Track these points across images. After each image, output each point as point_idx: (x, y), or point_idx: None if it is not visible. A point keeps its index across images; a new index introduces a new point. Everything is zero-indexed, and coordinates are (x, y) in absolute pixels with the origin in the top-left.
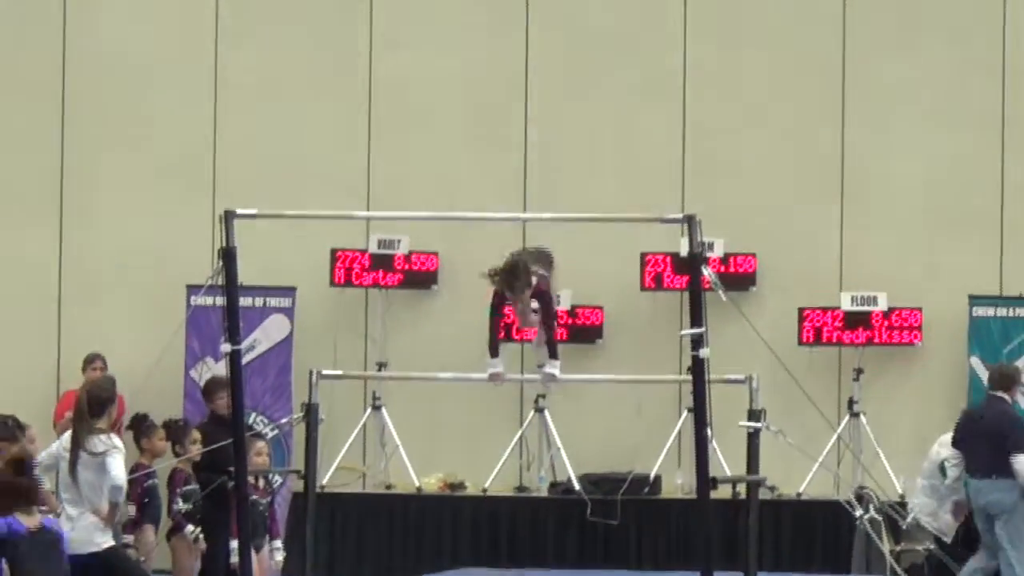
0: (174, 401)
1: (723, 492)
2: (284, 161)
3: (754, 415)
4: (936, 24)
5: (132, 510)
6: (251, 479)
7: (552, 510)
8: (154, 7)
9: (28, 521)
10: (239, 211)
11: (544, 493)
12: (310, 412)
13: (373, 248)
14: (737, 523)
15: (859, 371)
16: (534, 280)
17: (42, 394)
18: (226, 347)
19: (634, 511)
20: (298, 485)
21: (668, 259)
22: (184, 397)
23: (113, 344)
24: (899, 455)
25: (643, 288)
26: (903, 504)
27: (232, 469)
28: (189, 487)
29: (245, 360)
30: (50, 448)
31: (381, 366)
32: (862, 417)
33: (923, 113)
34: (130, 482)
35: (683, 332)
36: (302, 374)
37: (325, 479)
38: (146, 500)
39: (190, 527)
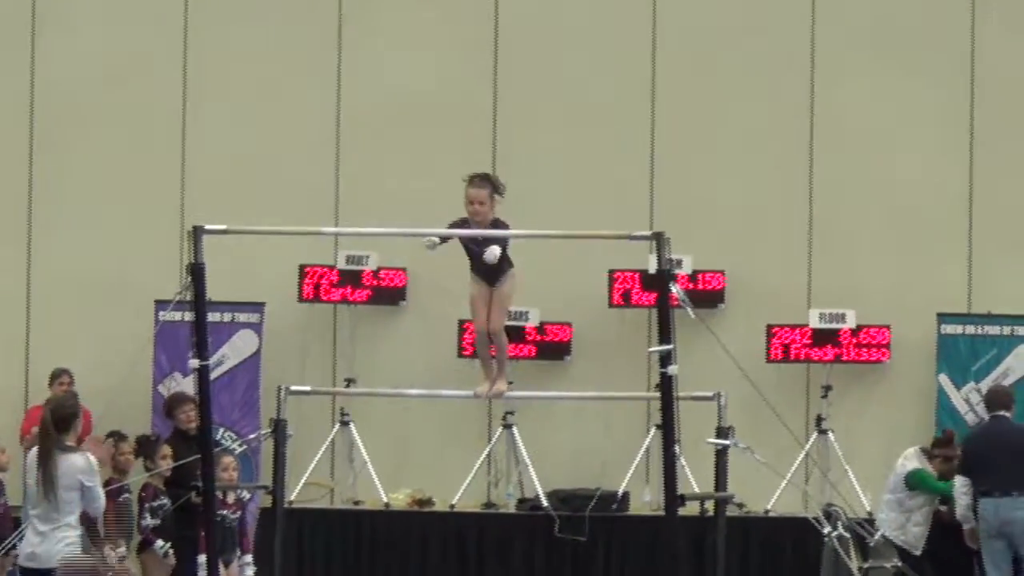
0: (143, 416)
1: (691, 509)
2: (253, 177)
3: (722, 432)
4: (903, 44)
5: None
6: (219, 494)
7: (520, 526)
8: (124, 26)
9: None
10: (208, 227)
11: (512, 509)
12: (278, 428)
13: (342, 264)
14: (705, 540)
15: (827, 388)
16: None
17: (10, 409)
18: (194, 363)
19: (602, 528)
20: (266, 501)
21: (637, 276)
22: (153, 412)
23: (81, 359)
24: (867, 472)
25: (611, 305)
26: (871, 521)
27: (199, 484)
28: (158, 502)
29: (213, 375)
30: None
31: (350, 382)
32: (830, 434)
33: (890, 131)
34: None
35: (651, 349)
36: (270, 390)
37: (293, 495)
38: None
39: (159, 542)
